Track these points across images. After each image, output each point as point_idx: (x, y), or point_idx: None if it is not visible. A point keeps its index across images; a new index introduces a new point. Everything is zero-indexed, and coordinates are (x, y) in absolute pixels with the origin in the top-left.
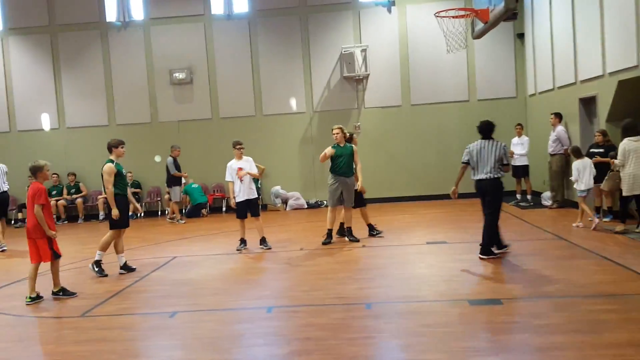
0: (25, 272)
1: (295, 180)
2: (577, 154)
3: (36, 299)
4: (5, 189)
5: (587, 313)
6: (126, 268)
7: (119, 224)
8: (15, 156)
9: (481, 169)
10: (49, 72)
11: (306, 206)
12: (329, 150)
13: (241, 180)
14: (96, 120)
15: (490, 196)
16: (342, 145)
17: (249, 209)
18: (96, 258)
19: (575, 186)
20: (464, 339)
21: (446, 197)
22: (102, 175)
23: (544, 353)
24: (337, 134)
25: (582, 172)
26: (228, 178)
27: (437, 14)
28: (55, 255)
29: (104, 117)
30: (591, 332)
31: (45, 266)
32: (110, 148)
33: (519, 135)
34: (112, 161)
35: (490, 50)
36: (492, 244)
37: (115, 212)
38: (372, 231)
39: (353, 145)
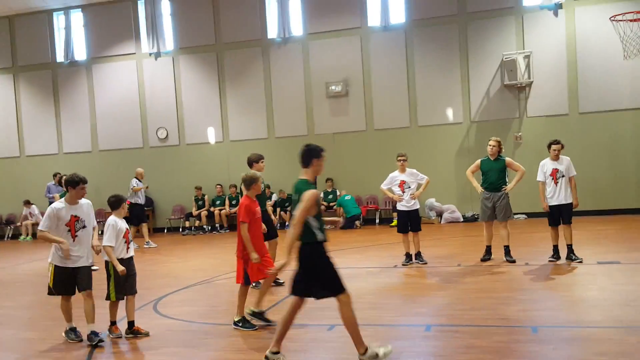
0: (190, 279)
1: (451, 192)
2: None
3: (244, 323)
4: (138, 202)
5: None
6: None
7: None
8: (183, 168)
9: None
10: (214, 88)
11: (462, 220)
12: (473, 166)
13: (403, 192)
14: (257, 133)
15: None
16: (492, 158)
17: (409, 221)
18: None
19: None
20: None
21: (619, 212)
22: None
23: None
24: (494, 146)
25: None
26: (385, 186)
27: (612, 18)
28: (247, 281)
29: (264, 130)
30: None
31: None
32: (251, 163)
33: None
34: None
35: None
36: None
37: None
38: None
39: (506, 158)
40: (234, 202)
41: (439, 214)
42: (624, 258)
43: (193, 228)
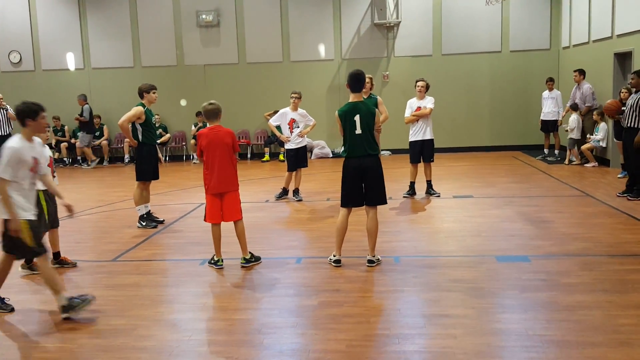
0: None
1: (321, 128)
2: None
3: (218, 263)
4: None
5: (613, 273)
6: (149, 219)
7: (145, 176)
8: (40, 96)
9: None
10: (74, 11)
11: (331, 155)
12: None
13: (291, 131)
14: (121, 61)
15: None
16: (365, 96)
17: (297, 159)
18: (139, 214)
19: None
20: (492, 296)
21: (473, 149)
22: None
23: (571, 312)
24: (367, 82)
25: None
26: (274, 122)
27: None
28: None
29: (129, 59)
30: (617, 292)
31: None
32: (142, 93)
33: (550, 89)
34: (143, 105)
35: (526, 0)
36: None
37: (133, 142)
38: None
39: (378, 97)
40: (97, 134)
41: (309, 150)
42: (477, 192)
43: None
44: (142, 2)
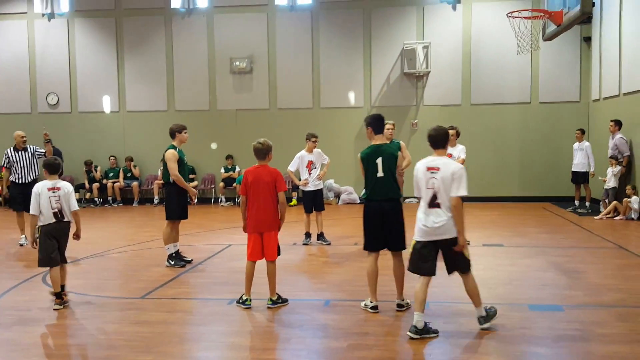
0: (81, 251)
1: (349, 174)
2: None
3: (246, 302)
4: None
5: None
6: (178, 258)
7: (175, 215)
8: (75, 137)
9: None
10: (112, 55)
11: (358, 201)
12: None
13: (310, 173)
14: (156, 105)
15: None
16: (389, 142)
17: (314, 202)
18: (168, 253)
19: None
20: (525, 344)
21: (502, 199)
22: (162, 161)
23: None
24: (391, 129)
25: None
26: (292, 168)
27: (509, 14)
28: (279, 253)
29: (163, 103)
30: None
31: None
32: (174, 133)
33: (579, 140)
34: (174, 147)
35: (556, 52)
36: None
37: (193, 192)
38: None
39: (401, 142)
40: (128, 174)
41: (337, 195)
42: (507, 242)
43: (83, 200)
44: (179, 48)
